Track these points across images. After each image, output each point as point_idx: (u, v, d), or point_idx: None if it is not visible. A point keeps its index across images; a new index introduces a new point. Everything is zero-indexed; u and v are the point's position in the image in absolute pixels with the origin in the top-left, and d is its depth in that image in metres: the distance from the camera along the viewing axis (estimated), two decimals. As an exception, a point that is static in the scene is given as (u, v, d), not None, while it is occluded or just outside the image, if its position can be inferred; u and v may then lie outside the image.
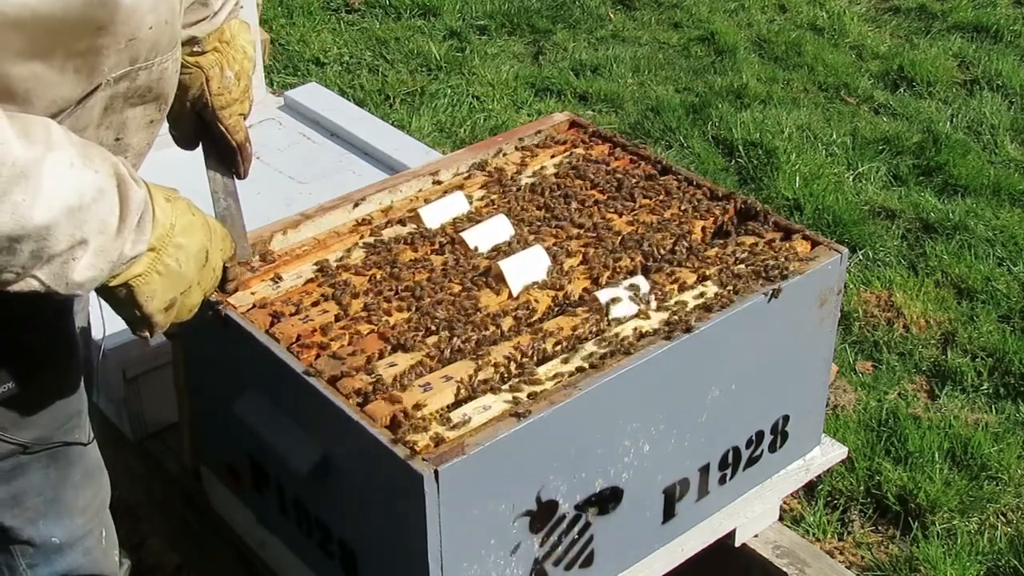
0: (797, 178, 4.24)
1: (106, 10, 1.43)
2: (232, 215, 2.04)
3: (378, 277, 2.10)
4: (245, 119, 2.01)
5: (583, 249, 2.18)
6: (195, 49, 1.89)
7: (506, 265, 2.07)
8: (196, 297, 1.66)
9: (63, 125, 1.51)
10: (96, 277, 1.47)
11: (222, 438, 2.20)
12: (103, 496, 1.97)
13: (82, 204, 1.41)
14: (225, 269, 1.74)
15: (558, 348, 1.94)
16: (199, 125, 1.98)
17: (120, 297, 1.55)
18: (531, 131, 2.56)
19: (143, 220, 1.51)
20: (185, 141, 2.01)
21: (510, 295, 2.06)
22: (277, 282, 2.10)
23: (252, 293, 2.07)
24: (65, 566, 1.92)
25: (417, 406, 1.79)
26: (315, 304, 2.03)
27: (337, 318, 2.00)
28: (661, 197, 2.33)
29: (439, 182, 2.41)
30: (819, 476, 2.83)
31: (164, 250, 1.55)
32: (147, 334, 1.62)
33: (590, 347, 1.93)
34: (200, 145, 2.03)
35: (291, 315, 1.99)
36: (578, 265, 2.14)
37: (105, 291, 1.54)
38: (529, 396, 1.83)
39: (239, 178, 2.06)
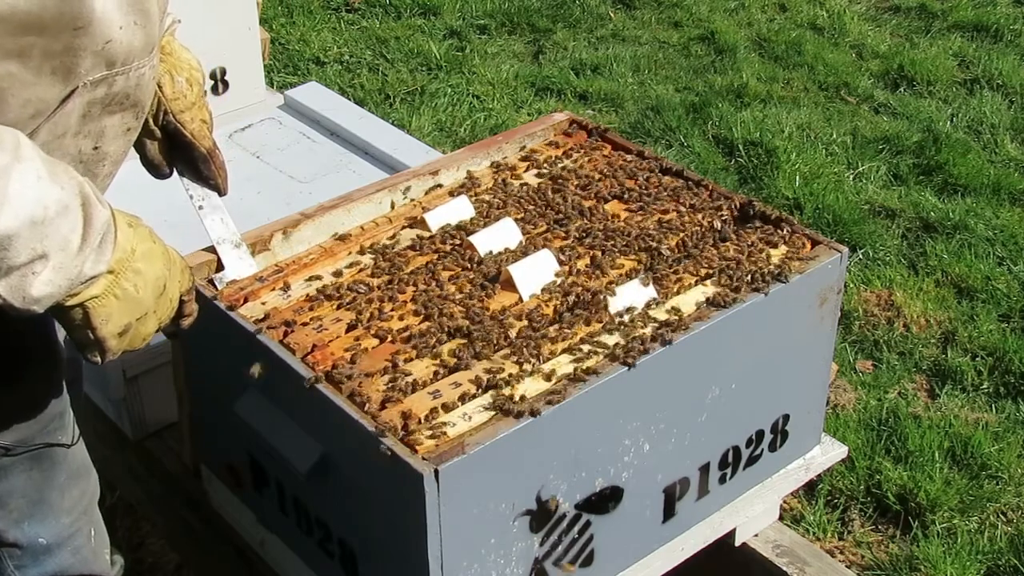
0: (797, 177, 4.24)
1: (81, 8, 1.43)
2: (227, 229, 2.05)
3: (387, 284, 2.10)
4: (210, 130, 1.99)
5: (588, 252, 2.18)
6: None
7: (515, 270, 2.08)
8: (151, 326, 1.63)
9: (42, 131, 1.51)
10: (53, 294, 1.46)
11: (222, 437, 2.20)
12: (91, 495, 1.97)
13: (46, 217, 1.41)
14: (182, 303, 1.71)
15: (565, 351, 1.94)
16: (166, 146, 1.97)
17: (75, 319, 1.54)
18: (531, 130, 2.56)
19: (104, 241, 1.50)
20: (158, 165, 1.98)
21: (520, 299, 2.06)
22: (287, 291, 2.10)
23: (263, 303, 2.07)
24: (54, 566, 1.92)
25: (428, 414, 1.79)
26: (327, 313, 2.03)
27: (349, 327, 2.00)
28: (662, 197, 2.33)
29: (440, 184, 2.41)
30: (819, 475, 2.83)
31: (123, 274, 1.54)
32: (98, 359, 1.59)
33: (596, 348, 1.93)
34: (174, 171, 2.01)
35: (303, 324, 1.99)
36: (585, 268, 2.14)
37: (60, 312, 1.52)
38: (532, 397, 1.83)
39: (220, 194, 2.05)
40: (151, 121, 1.91)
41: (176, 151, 1.98)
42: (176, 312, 1.70)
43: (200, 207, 2.05)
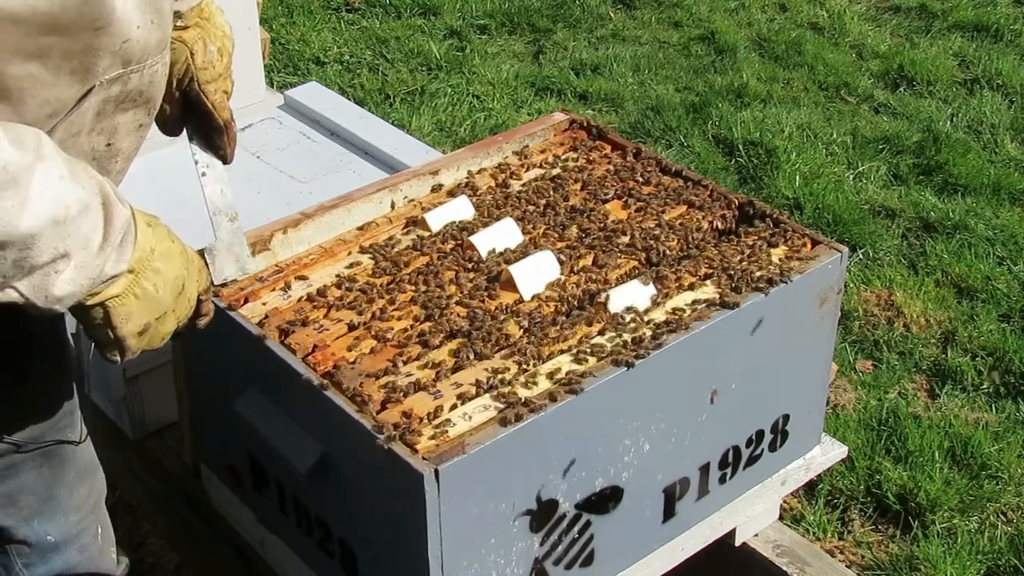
0: (797, 177, 4.24)
1: (101, 9, 1.44)
2: (223, 201, 2.03)
3: (388, 284, 2.10)
4: (229, 98, 1.99)
5: (589, 252, 2.18)
6: (177, 24, 1.87)
7: (516, 270, 2.08)
8: (169, 325, 1.64)
9: (58, 129, 1.52)
10: (75, 293, 1.47)
11: (222, 437, 2.20)
12: (98, 493, 1.97)
13: (68, 217, 1.41)
14: (199, 302, 1.72)
15: (566, 351, 1.94)
16: (184, 108, 1.95)
17: (96, 318, 1.54)
18: (531, 130, 2.56)
19: (125, 240, 1.51)
20: (170, 125, 1.97)
21: (520, 299, 2.06)
22: (287, 291, 2.10)
23: (263, 303, 2.07)
24: (61, 564, 1.93)
25: (429, 414, 1.79)
26: (327, 313, 2.03)
27: (350, 327, 2.00)
28: (663, 197, 2.33)
29: (440, 185, 2.41)
30: (819, 475, 2.83)
31: (143, 273, 1.54)
32: (117, 358, 1.60)
33: (596, 348, 1.93)
34: (184, 132, 2.00)
35: (304, 324, 1.99)
36: (585, 268, 2.15)
37: (81, 311, 1.53)
38: (532, 396, 1.83)
39: (225, 163, 2.03)
40: (174, 84, 1.90)
41: (192, 116, 1.97)
42: (193, 311, 1.70)
43: (203, 173, 2.02)
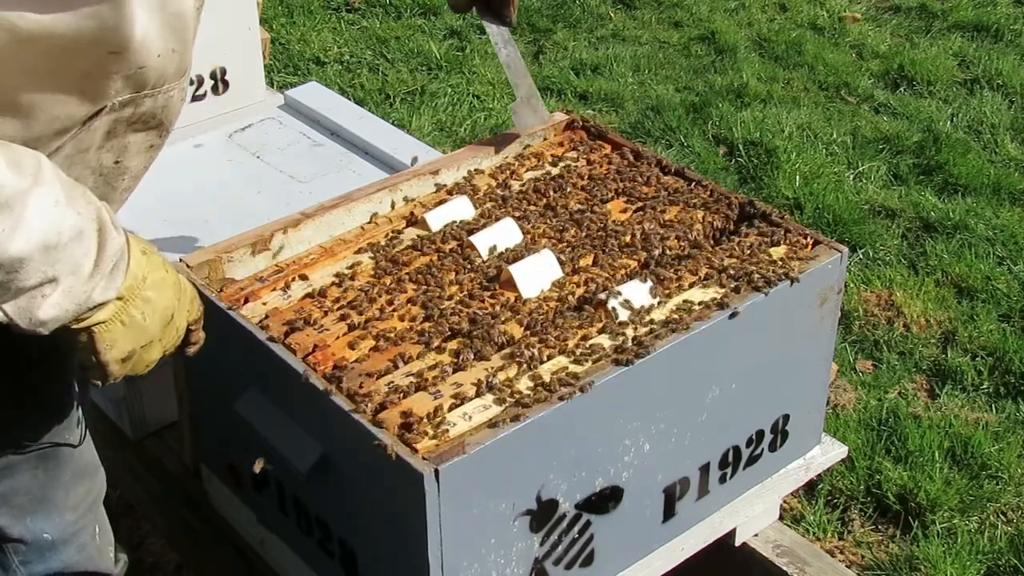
0: (797, 177, 4.24)
1: (119, 36, 1.44)
2: (514, 61, 2.45)
3: (388, 284, 2.10)
4: None
5: (589, 251, 2.18)
6: None
7: (516, 269, 2.08)
8: (155, 353, 1.64)
9: (67, 146, 1.52)
10: (60, 317, 1.46)
11: (222, 437, 2.20)
12: (96, 493, 1.97)
13: (59, 243, 1.41)
14: (189, 331, 1.72)
15: (566, 350, 1.94)
16: None
17: (80, 342, 1.54)
18: (531, 130, 2.55)
19: (116, 268, 1.50)
20: (461, 3, 2.38)
21: (520, 299, 2.06)
22: (287, 291, 2.10)
23: (263, 303, 2.06)
24: (59, 563, 1.92)
25: (429, 414, 1.79)
26: (328, 313, 2.03)
27: (350, 327, 2.00)
28: (663, 197, 2.33)
29: (441, 184, 2.41)
30: (819, 475, 2.83)
31: (132, 301, 1.54)
32: (99, 382, 1.60)
33: (596, 348, 1.93)
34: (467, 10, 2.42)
35: (305, 325, 1.99)
36: (586, 267, 2.15)
37: (66, 334, 1.53)
38: (532, 396, 1.83)
39: (510, 26, 2.42)
40: None
41: None
42: (183, 340, 1.70)
43: (497, 43, 2.43)
